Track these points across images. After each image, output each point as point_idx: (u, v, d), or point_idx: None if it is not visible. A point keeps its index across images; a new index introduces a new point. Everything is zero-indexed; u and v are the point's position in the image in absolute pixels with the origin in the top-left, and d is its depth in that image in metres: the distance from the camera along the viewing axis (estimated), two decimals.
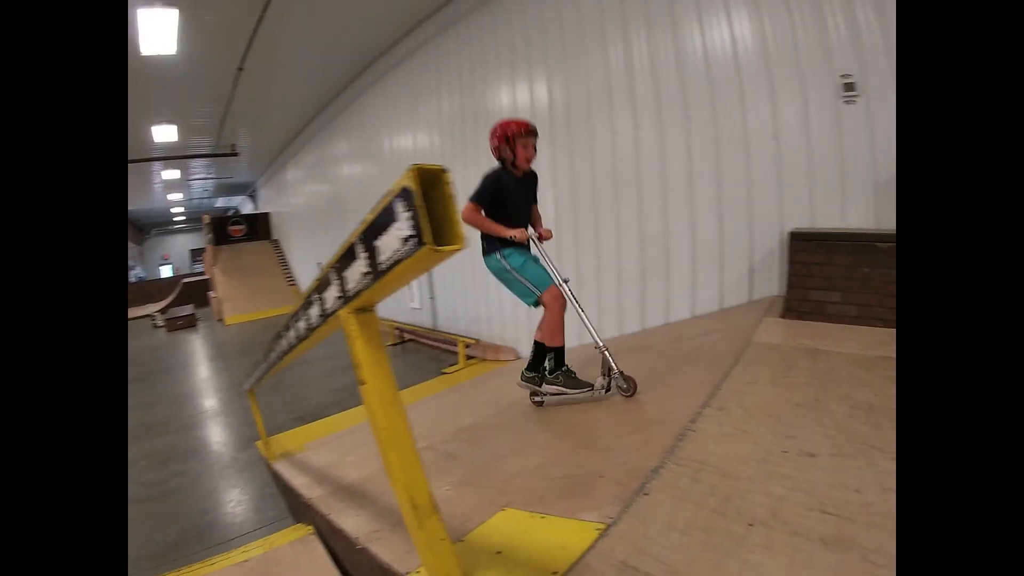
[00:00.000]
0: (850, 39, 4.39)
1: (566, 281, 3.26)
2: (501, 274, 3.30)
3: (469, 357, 7.77)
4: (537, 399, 3.45)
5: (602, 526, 1.59)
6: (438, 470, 2.45)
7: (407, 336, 9.94)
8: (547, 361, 3.33)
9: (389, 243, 1.00)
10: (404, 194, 0.92)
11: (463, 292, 8.43)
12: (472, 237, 5.53)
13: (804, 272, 3.61)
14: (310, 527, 2.46)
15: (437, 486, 2.10)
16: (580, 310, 3.23)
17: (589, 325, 3.19)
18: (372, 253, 1.09)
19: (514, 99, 6.98)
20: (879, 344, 3.03)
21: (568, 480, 2.06)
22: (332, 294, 1.43)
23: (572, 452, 2.41)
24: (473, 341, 7.89)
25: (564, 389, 3.27)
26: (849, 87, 4.38)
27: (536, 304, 3.26)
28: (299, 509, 2.83)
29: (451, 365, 7.65)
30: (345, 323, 1.31)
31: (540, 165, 6.63)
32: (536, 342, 3.36)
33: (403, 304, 10.11)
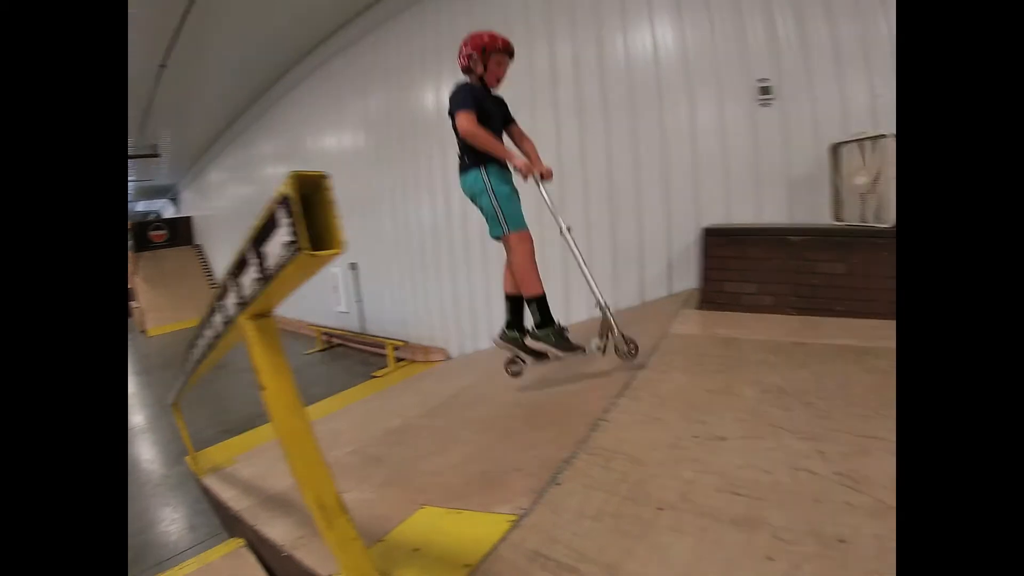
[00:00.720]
0: (768, 44, 4.60)
1: (568, 229, 2.97)
2: (477, 192, 2.96)
3: (399, 359, 7.66)
4: (515, 368, 3.15)
5: (514, 517, 1.59)
6: (363, 474, 2.41)
7: (335, 341, 9.66)
8: (533, 315, 2.95)
9: (274, 249, 1.01)
10: (284, 200, 0.93)
11: (391, 293, 8.31)
12: (389, 204, 5.36)
13: (718, 265, 3.71)
14: (241, 540, 2.41)
15: (361, 490, 2.08)
16: (582, 262, 2.92)
17: (590, 279, 2.89)
18: (261, 259, 1.09)
19: (438, 100, 6.91)
20: (791, 331, 3.16)
21: (485, 475, 2.05)
22: (231, 300, 1.41)
23: (491, 447, 2.40)
24: (402, 343, 7.77)
25: (554, 350, 2.92)
26: (765, 90, 4.58)
27: (498, 239, 2.98)
28: (231, 523, 2.76)
29: (381, 368, 7.52)
30: (243, 329, 1.29)
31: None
32: (509, 297, 3.08)
33: (330, 308, 9.85)
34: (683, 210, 4.89)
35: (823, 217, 4.28)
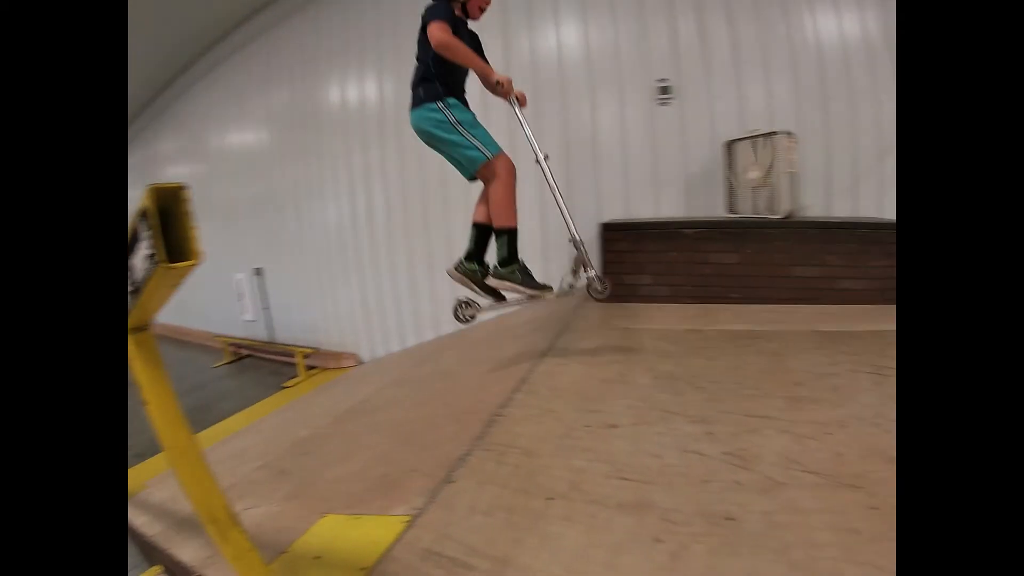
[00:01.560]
0: (669, 46, 4.77)
1: (546, 157, 2.80)
2: (438, 130, 2.69)
3: (310, 367, 7.36)
4: (469, 312, 2.94)
5: (408, 518, 1.58)
6: (270, 488, 2.33)
7: (243, 352, 9.13)
8: (499, 248, 2.75)
9: (139, 262, 1.02)
10: (142, 214, 0.94)
11: (299, 299, 7.98)
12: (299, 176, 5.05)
13: (616, 259, 3.78)
14: (159, 567, 2.29)
15: (268, 504, 2.04)
16: (558, 193, 2.75)
17: (565, 212, 2.74)
18: (131, 272, 1.09)
19: (343, 96, 6.74)
20: (687, 319, 3.26)
21: (385, 478, 2.03)
22: None
23: (392, 451, 2.36)
24: (312, 350, 7.47)
25: (520, 288, 2.71)
26: (664, 90, 4.74)
27: (474, 177, 2.77)
28: (147, 550, 2.57)
29: (292, 378, 7.21)
30: None
31: (369, 165, 6.39)
32: (477, 225, 2.85)
33: (236, 317, 9.33)
34: (584, 206, 4.94)
35: (718, 211, 4.47)
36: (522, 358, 2.84)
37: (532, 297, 2.76)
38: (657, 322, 3.24)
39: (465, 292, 2.90)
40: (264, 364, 8.51)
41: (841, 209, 5.01)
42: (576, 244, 2.72)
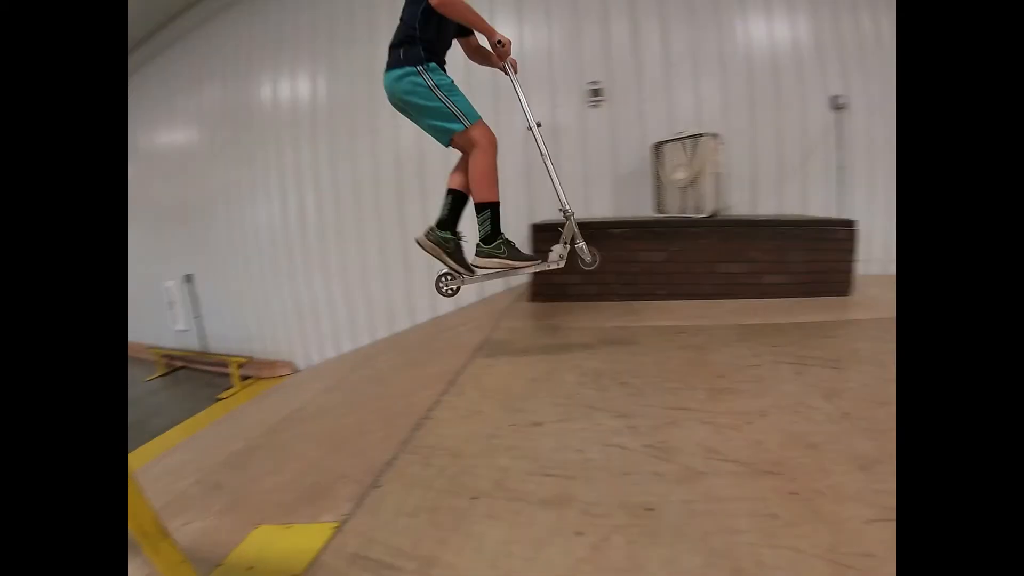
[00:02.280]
0: (601, 49, 4.86)
1: (539, 125, 2.80)
2: (414, 96, 2.57)
3: (244, 377, 7.12)
4: (453, 285, 2.81)
5: (336, 524, 1.59)
6: (205, 502, 2.28)
7: (177, 363, 8.72)
8: (481, 225, 2.64)
9: None
10: None
11: (231, 306, 7.67)
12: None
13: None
14: None
15: (203, 519, 2.01)
16: (549, 162, 2.74)
17: (556, 181, 2.71)
18: None
19: (275, 94, 6.55)
20: (615, 316, 3.33)
21: (315, 487, 2.02)
22: None
23: (323, 459, 2.36)
24: (247, 359, 7.21)
25: (508, 262, 2.63)
26: (596, 92, 4.81)
27: (450, 143, 2.67)
28: None
29: (227, 389, 6.98)
30: None
31: (301, 166, 6.24)
32: (453, 192, 2.75)
33: (167, 326, 8.91)
34: (515, 207, 4.97)
35: (647, 210, 4.56)
36: (453, 360, 2.84)
37: (520, 269, 2.69)
38: (586, 320, 3.28)
39: (441, 266, 2.82)
40: (198, 375, 8.22)
41: (767, 207, 5.22)
42: (566, 215, 2.70)
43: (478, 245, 2.66)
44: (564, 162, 4.95)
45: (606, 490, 1.45)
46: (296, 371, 6.83)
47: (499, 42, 2.72)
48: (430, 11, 2.52)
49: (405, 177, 5.55)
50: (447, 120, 2.58)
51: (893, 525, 1.33)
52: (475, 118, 2.61)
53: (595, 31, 4.90)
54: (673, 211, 4.26)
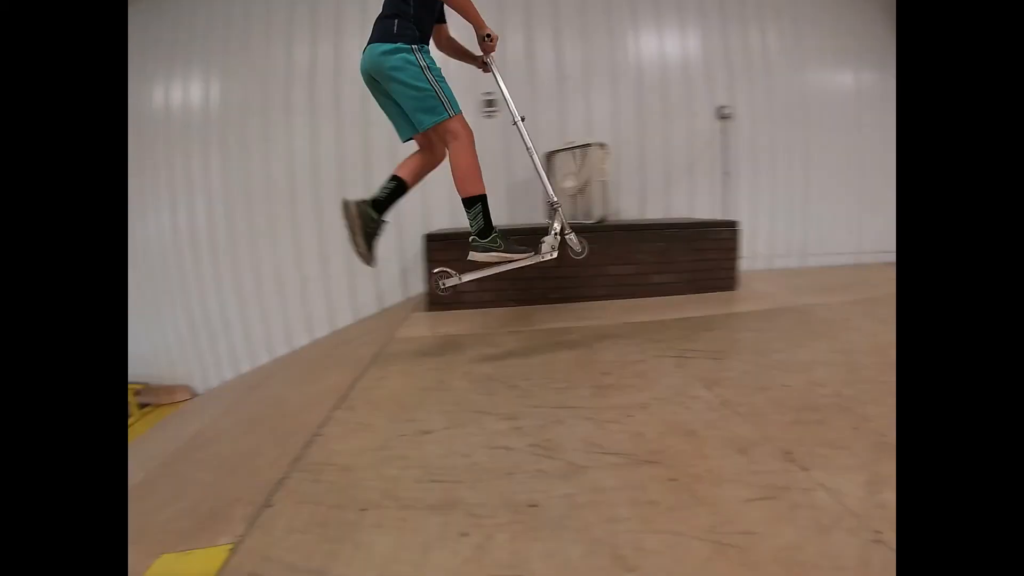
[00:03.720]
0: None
1: (523, 119, 2.75)
2: (402, 72, 2.44)
3: (143, 405, 6.63)
4: (450, 281, 2.76)
5: (231, 546, 1.55)
6: None
7: None
8: (473, 219, 2.60)
9: None
10: None
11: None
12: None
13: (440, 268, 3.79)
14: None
15: None
16: (535, 156, 2.73)
17: (543, 175, 2.74)
18: None
19: (167, 100, 6.18)
20: (508, 321, 3.40)
21: (213, 511, 1.96)
22: None
23: (219, 483, 2.28)
24: (143, 386, 6.74)
25: (505, 255, 2.62)
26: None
27: (410, 138, 2.68)
28: None
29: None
30: None
31: (192, 176, 5.96)
32: (398, 179, 2.75)
33: None
34: (412, 216, 5.04)
35: (540, 217, 4.67)
36: (346, 374, 2.80)
37: (516, 262, 2.67)
38: (480, 326, 3.32)
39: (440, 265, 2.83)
40: None
41: (655, 212, 5.45)
42: (554, 206, 2.73)
43: (473, 239, 2.62)
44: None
45: (491, 491, 1.48)
46: (195, 395, 6.50)
47: (488, 36, 2.67)
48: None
49: (299, 187, 5.43)
50: (431, 106, 2.49)
51: (772, 503, 1.41)
52: (458, 109, 2.54)
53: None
54: (565, 217, 4.38)
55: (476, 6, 2.60)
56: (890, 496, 1.45)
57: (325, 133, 5.29)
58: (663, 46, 5.58)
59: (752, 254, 5.89)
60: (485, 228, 2.60)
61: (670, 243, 4.02)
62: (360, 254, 2.66)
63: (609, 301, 3.82)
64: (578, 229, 3.93)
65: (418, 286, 4.94)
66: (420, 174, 2.83)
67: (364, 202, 2.67)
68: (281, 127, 5.44)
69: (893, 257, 6.79)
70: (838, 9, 6.39)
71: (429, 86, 2.46)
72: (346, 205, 2.64)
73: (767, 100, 5.93)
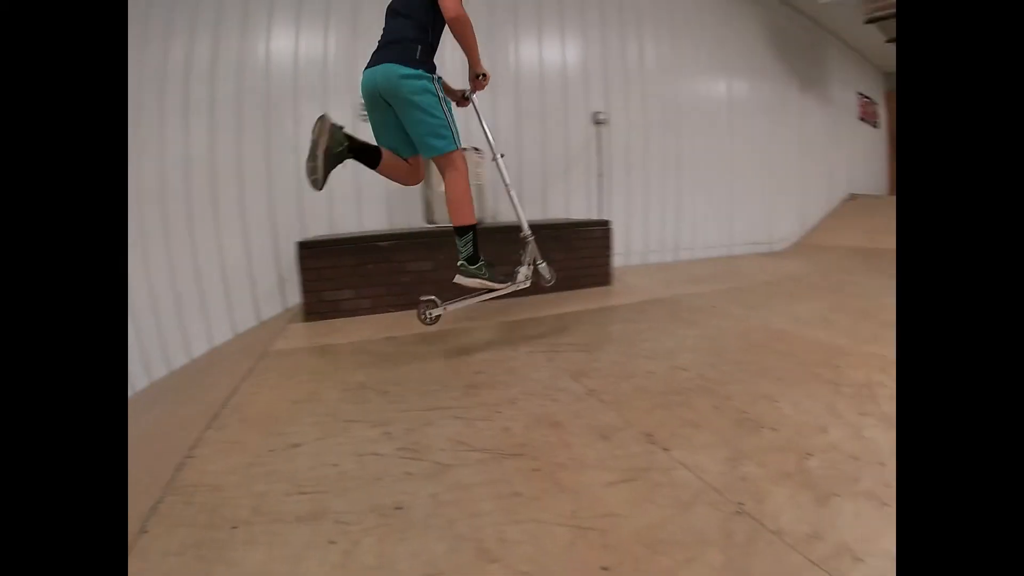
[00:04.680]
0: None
1: (502, 156, 2.90)
2: (421, 98, 2.55)
3: None
4: (435, 312, 2.80)
5: None
6: None
7: None
8: (464, 247, 2.73)
9: None
10: None
11: None
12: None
13: (315, 276, 3.78)
14: None
15: None
16: (511, 192, 2.89)
17: (519, 209, 2.88)
18: None
19: None
20: (385, 328, 3.42)
21: None
22: None
23: None
24: None
25: (488, 283, 2.75)
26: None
27: (434, 154, 2.66)
28: None
29: None
30: None
31: None
32: (380, 150, 2.77)
33: None
34: (287, 223, 4.92)
35: (420, 221, 4.69)
36: (219, 392, 2.72)
37: (497, 291, 2.82)
38: (356, 335, 3.31)
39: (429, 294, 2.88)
40: None
41: (532, 213, 5.59)
42: (527, 239, 2.90)
43: (462, 264, 2.75)
44: (334, 176, 4.88)
45: (358, 497, 1.50)
46: None
47: (483, 75, 2.81)
48: (438, 17, 2.57)
49: (168, 195, 5.11)
50: (442, 136, 2.61)
51: (633, 484, 1.50)
52: (459, 143, 2.68)
53: (370, 45, 4.90)
54: (443, 221, 4.42)
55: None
56: (751, 469, 1.57)
57: (197, 136, 5.01)
58: (543, 54, 5.76)
59: (627, 251, 6.18)
60: (474, 255, 2.76)
61: (546, 243, 4.15)
62: (312, 171, 2.61)
63: (486, 302, 3.86)
64: (451, 232, 4.03)
65: (296, 296, 4.81)
66: (391, 173, 2.92)
67: (341, 128, 2.69)
68: (154, 130, 5.13)
69: (762, 248, 7.33)
70: (714, 21, 6.83)
71: (443, 116, 2.60)
72: (322, 118, 2.64)
73: (641, 107, 6.25)
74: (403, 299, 3.86)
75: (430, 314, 2.80)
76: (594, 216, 5.75)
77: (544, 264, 2.99)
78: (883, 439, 1.73)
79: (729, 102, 7.04)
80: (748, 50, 7.17)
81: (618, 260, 5.69)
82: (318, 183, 2.62)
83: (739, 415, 1.95)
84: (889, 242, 6.68)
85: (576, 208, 5.92)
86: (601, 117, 5.87)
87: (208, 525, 1.56)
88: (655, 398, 2.13)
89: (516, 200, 2.95)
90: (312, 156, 2.60)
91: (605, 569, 1.18)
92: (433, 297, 2.80)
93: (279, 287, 4.96)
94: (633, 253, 6.26)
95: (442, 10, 2.51)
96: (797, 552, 1.21)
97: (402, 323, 3.54)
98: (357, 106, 4.93)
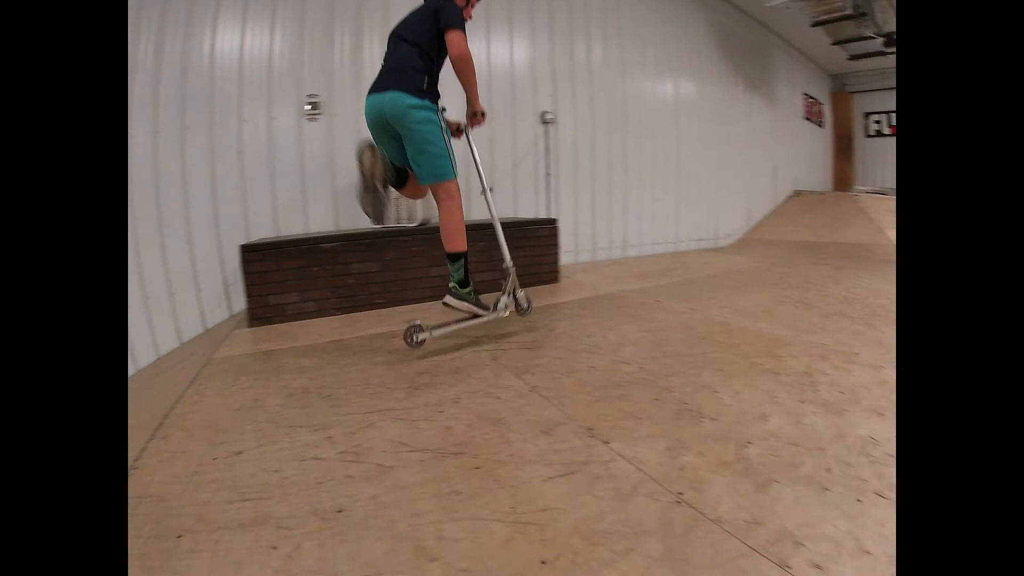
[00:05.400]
0: (321, 64, 4.84)
1: (491, 189, 3.04)
2: (425, 127, 2.69)
3: None
4: (421, 336, 2.84)
5: None
6: None
7: None
8: (455, 271, 2.87)
9: None
10: None
11: None
12: None
13: (259, 280, 3.74)
14: None
15: None
16: (497, 224, 3.05)
17: (502, 241, 3.03)
18: None
19: None
20: (331, 331, 3.42)
21: None
22: None
23: None
24: None
25: (473, 308, 2.89)
26: (314, 105, 4.81)
27: (431, 181, 2.80)
28: None
29: None
30: None
31: None
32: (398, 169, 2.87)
33: None
34: (232, 226, 4.80)
35: (365, 223, 4.67)
36: (163, 402, 2.69)
37: (479, 317, 2.94)
38: (301, 339, 3.31)
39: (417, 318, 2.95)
40: None
41: (480, 213, 5.61)
42: (508, 269, 3.04)
43: (453, 287, 2.87)
44: (280, 177, 4.84)
45: (300, 502, 1.52)
46: None
47: (479, 113, 2.90)
48: (442, 48, 2.69)
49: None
50: (441, 164, 2.75)
51: (572, 478, 1.55)
52: (456, 173, 2.82)
53: (317, 43, 4.88)
54: (389, 222, 4.42)
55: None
56: (690, 459, 1.63)
57: (141, 140, 4.87)
58: (491, 54, 5.78)
59: (576, 248, 6.27)
60: (465, 279, 2.89)
61: (491, 242, 4.19)
62: (376, 203, 2.91)
63: (433, 302, 3.87)
64: (399, 232, 4.04)
65: (243, 302, 4.73)
66: (409, 192, 3.10)
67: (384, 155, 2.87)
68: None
69: (708, 244, 7.51)
70: (661, 22, 6.95)
71: (444, 147, 2.74)
72: (373, 148, 2.85)
73: (588, 106, 6.33)
74: (350, 301, 3.86)
75: (416, 338, 2.86)
76: (543, 215, 5.82)
77: (522, 293, 3.16)
78: (822, 425, 1.82)
79: (676, 101, 7.19)
80: (695, 50, 7.34)
81: (566, 258, 5.77)
82: (385, 216, 2.96)
83: (679, 406, 2.01)
84: (832, 236, 6.92)
85: (525, 207, 5.97)
86: (549, 116, 5.94)
87: (153, 536, 1.55)
88: (596, 392, 2.19)
89: (500, 234, 3.09)
90: (369, 188, 2.88)
91: (544, 563, 1.22)
92: (419, 322, 2.86)
93: (224, 292, 4.88)
94: (582, 250, 6.36)
95: (448, 47, 2.65)
96: (736, 539, 1.27)
97: (347, 325, 3.55)
98: (302, 106, 4.90)
